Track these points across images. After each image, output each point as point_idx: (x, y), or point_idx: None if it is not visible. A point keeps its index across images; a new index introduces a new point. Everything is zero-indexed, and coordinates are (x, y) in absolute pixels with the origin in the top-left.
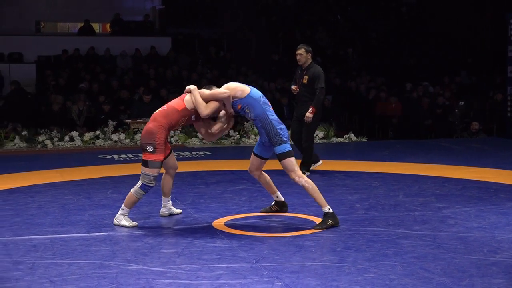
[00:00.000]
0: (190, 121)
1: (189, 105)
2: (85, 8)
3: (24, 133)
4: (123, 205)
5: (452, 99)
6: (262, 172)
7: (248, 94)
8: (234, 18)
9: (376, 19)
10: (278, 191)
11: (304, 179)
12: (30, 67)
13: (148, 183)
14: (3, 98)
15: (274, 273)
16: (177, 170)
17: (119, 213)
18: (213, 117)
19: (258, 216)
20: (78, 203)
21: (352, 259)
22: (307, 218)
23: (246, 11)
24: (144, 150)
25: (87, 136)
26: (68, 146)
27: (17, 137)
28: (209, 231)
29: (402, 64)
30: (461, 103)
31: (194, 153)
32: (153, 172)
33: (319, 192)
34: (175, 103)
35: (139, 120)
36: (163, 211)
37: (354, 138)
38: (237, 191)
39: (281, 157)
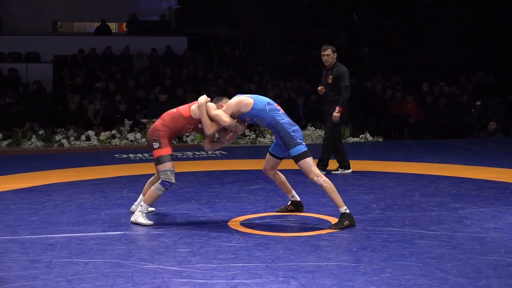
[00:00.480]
0: (197, 129)
1: (194, 115)
2: (101, 8)
3: (41, 132)
4: (142, 202)
5: (468, 99)
6: (277, 171)
7: (253, 107)
8: (250, 17)
9: (392, 19)
10: (293, 191)
11: (322, 179)
12: (47, 67)
13: (167, 179)
14: (22, 97)
15: (289, 273)
16: (194, 170)
17: (138, 209)
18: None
19: (273, 216)
20: (94, 202)
21: (367, 259)
22: (322, 218)
23: (262, 10)
24: (151, 148)
25: (104, 135)
26: (85, 145)
27: (34, 136)
28: (225, 231)
29: (418, 64)
30: (478, 103)
31: (210, 152)
32: (166, 166)
33: (337, 192)
34: (183, 109)
35: (155, 120)
36: (134, 207)
37: (370, 138)
38: (253, 190)
39: (297, 159)
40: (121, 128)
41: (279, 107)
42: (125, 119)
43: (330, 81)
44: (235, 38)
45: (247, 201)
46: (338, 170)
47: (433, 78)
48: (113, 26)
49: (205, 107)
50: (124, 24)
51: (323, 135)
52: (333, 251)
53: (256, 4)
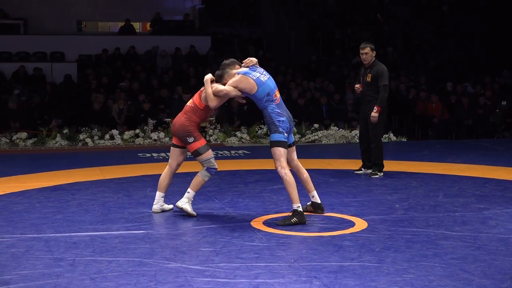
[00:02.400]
0: (214, 112)
1: (205, 102)
2: (125, 7)
3: (65, 131)
4: (189, 188)
5: (493, 99)
6: (300, 166)
7: (254, 94)
8: (274, 17)
9: (417, 18)
10: (315, 191)
11: (285, 171)
12: (71, 66)
13: (211, 166)
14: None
15: (312, 273)
16: (218, 169)
17: (185, 196)
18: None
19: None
20: (118, 201)
21: (391, 260)
22: (345, 218)
23: (286, 10)
24: (186, 142)
25: (127, 134)
26: (108, 144)
27: (58, 135)
28: (248, 230)
29: (443, 64)
30: (504, 102)
31: (233, 152)
32: (208, 155)
33: (296, 189)
34: (197, 101)
35: None
36: (156, 207)
37: (393, 138)
38: (276, 190)
39: (272, 144)
40: (145, 127)
41: (277, 97)
42: (149, 119)
43: (369, 79)
44: (258, 37)
45: (270, 200)
46: (361, 170)
47: (458, 77)
48: (137, 25)
49: (209, 83)
50: (148, 24)
51: (371, 138)
52: (356, 251)
53: (279, 3)
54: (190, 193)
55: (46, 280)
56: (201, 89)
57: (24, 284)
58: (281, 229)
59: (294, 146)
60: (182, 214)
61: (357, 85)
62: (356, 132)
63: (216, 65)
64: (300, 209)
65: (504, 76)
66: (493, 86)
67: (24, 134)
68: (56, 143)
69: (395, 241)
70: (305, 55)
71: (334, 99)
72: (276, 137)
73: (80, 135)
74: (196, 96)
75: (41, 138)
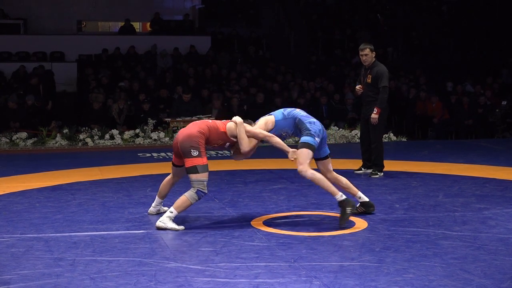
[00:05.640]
0: (223, 148)
1: (230, 132)
2: (125, 7)
3: (65, 131)
4: (172, 208)
5: (493, 99)
6: (337, 175)
7: (275, 120)
8: (274, 17)
9: (417, 18)
10: (360, 192)
11: (309, 171)
12: (71, 66)
13: (202, 189)
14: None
15: (312, 273)
16: (217, 169)
17: (166, 215)
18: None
19: (296, 215)
20: (118, 201)
21: (391, 260)
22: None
23: (286, 10)
24: (187, 155)
25: (127, 134)
26: (108, 144)
27: (58, 135)
28: (248, 230)
29: (443, 64)
30: (504, 102)
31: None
32: (204, 176)
33: (328, 181)
34: (220, 123)
35: (179, 119)
36: (152, 210)
37: (393, 138)
38: (276, 190)
39: (301, 145)
40: (145, 127)
41: (295, 107)
42: (149, 118)
43: (369, 80)
44: (258, 37)
45: (270, 200)
46: (361, 170)
47: (458, 78)
48: (137, 25)
49: (243, 126)
50: (148, 24)
51: (371, 139)
52: (356, 251)
53: (279, 3)
54: (173, 213)
55: (46, 280)
56: (227, 120)
57: (24, 284)
58: (281, 229)
59: (330, 158)
60: (181, 214)
61: (358, 87)
62: (356, 132)
63: (216, 65)
64: (343, 197)
65: (505, 76)
66: (493, 86)
67: (24, 134)
68: (56, 143)
69: (395, 241)
70: (305, 55)
71: (334, 99)
72: (306, 139)
73: (80, 135)
74: (219, 121)
75: (41, 138)
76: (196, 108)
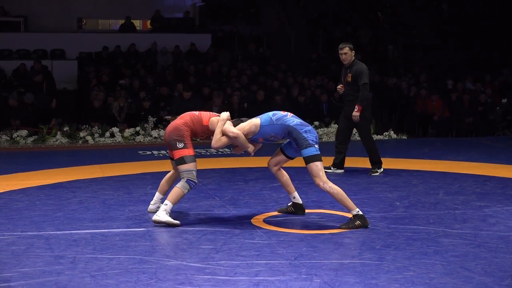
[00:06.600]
0: (209, 139)
1: (211, 126)
2: (126, 5)
3: (65, 129)
4: (166, 200)
5: (493, 96)
6: (281, 169)
7: (261, 125)
8: (274, 15)
9: (417, 16)
10: (296, 192)
11: (328, 185)
12: (71, 64)
13: (192, 178)
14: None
15: (312, 270)
16: (217, 167)
17: (161, 208)
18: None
19: (296, 213)
20: (118, 199)
21: (391, 257)
22: (346, 215)
23: (287, 8)
24: (174, 147)
25: (128, 132)
26: (109, 142)
27: (58, 133)
28: (248, 228)
29: (443, 61)
30: (504, 100)
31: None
32: (191, 166)
33: (346, 196)
34: (204, 115)
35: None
36: (152, 207)
37: (394, 136)
38: (276, 188)
39: (308, 160)
40: (145, 125)
41: (286, 112)
42: (149, 116)
43: (349, 79)
44: (259, 35)
45: (270, 198)
46: (377, 172)
47: (459, 75)
48: (137, 23)
49: (224, 122)
50: (149, 22)
51: (362, 140)
52: (356, 249)
53: (280, 2)
54: (168, 205)
55: (47, 277)
56: (214, 114)
57: (25, 281)
58: (282, 227)
59: (289, 161)
60: (182, 212)
61: (339, 86)
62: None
63: (216, 63)
64: (360, 212)
65: (505, 74)
66: (494, 84)
67: (24, 132)
68: (56, 140)
69: (396, 239)
70: (305, 53)
71: (335, 97)
72: (309, 152)
73: (80, 133)
74: (206, 113)
75: (42, 136)
76: (197, 106)
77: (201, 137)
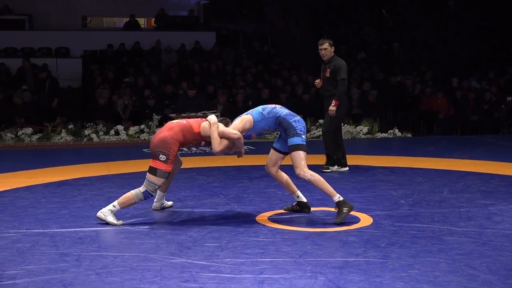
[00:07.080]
0: (199, 145)
1: (203, 132)
2: (130, 3)
3: (70, 126)
4: (116, 202)
5: (498, 94)
6: (280, 171)
7: (254, 121)
8: (279, 13)
9: (422, 13)
10: (298, 191)
11: (309, 173)
12: (76, 62)
13: (151, 191)
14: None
15: (317, 268)
16: (221, 165)
17: (107, 208)
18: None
19: (301, 211)
20: None
21: (396, 255)
22: (351, 213)
23: (291, 6)
24: (155, 157)
25: (132, 130)
26: (113, 139)
27: (63, 130)
28: (253, 226)
29: (448, 59)
30: (509, 98)
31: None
32: (159, 181)
33: (327, 183)
34: (193, 123)
35: (184, 115)
36: (156, 205)
37: (398, 134)
38: (281, 186)
39: (291, 149)
40: (150, 123)
41: (274, 105)
42: (154, 114)
43: (327, 75)
44: (263, 33)
45: (275, 196)
46: (328, 169)
47: (464, 73)
48: (142, 21)
49: (217, 126)
50: (153, 20)
51: (323, 127)
52: (361, 247)
53: None
54: (115, 207)
55: (52, 275)
56: (202, 119)
57: (30, 279)
58: (286, 225)
59: (285, 157)
60: (187, 209)
61: (317, 81)
62: (361, 127)
63: (221, 61)
64: (341, 198)
65: (510, 72)
66: (499, 82)
67: (29, 130)
68: (61, 138)
69: (400, 237)
70: (310, 50)
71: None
72: (294, 140)
73: (85, 131)
74: (194, 120)
75: (46, 134)
76: (201, 104)
77: (190, 144)
